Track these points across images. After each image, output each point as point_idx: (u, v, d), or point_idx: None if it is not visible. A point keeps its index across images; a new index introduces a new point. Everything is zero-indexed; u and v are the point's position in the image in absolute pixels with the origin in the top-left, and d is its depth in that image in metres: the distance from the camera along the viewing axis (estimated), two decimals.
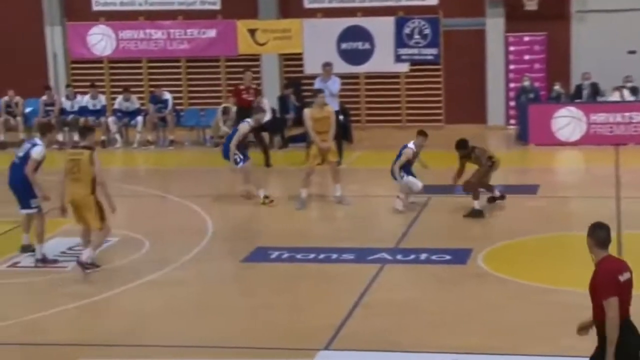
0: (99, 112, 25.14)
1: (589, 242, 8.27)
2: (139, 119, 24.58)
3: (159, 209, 18.41)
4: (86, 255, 13.82)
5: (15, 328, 11.81)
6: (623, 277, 8.16)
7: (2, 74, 25.92)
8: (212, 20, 26.32)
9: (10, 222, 15.83)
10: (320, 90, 18.71)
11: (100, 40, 26.72)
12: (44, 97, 25.17)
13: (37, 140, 14.70)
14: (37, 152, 14.37)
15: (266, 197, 17.80)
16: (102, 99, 25.50)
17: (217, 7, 26.46)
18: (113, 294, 13.15)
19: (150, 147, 24.72)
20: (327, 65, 22.29)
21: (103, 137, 24.70)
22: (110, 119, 24.76)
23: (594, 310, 8.26)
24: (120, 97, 25.21)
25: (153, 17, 26.52)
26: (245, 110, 21.92)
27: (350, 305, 12.18)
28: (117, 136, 24.75)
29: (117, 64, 26.87)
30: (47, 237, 14.91)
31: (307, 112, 17.88)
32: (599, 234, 8.23)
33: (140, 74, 26.85)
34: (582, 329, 8.58)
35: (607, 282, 8.08)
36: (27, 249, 14.96)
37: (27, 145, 14.69)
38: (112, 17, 26.69)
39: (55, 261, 14.68)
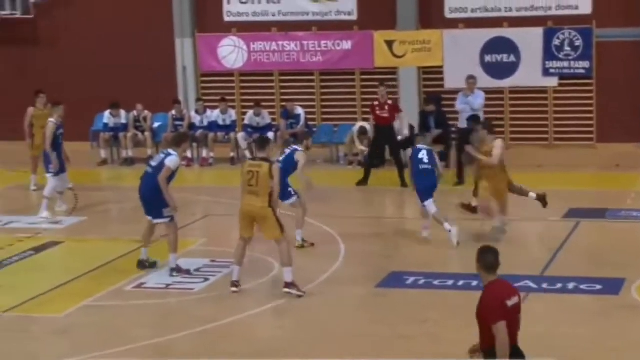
0: (229, 128, 25.52)
1: (477, 266, 8.57)
2: (270, 134, 24.89)
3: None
4: (288, 275, 14.13)
5: (146, 350, 12.08)
6: (511, 302, 8.39)
7: (131, 87, 26.52)
8: (348, 32, 26.48)
9: (135, 241, 16.19)
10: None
11: (231, 53, 27.13)
12: (173, 112, 25.69)
13: (172, 151, 15.14)
14: (171, 161, 14.89)
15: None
16: (233, 114, 25.88)
17: (354, 17, 26.59)
18: (240, 318, 13.33)
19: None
20: (471, 79, 22.19)
21: (232, 154, 25.08)
22: (240, 135, 25.12)
23: (481, 337, 8.43)
24: (250, 112, 25.55)
25: (286, 28, 26.82)
26: (382, 128, 21.99)
27: None
28: (247, 153, 25.10)
29: (248, 77, 27.22)
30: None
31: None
32: (486, 258, 8.50)
33: (271, 87, 27.18)
34: (473, 352, 8.72)
35: (494, 306, 8.33)
36: (142, 264, 15.35)
37: (161, 155, 15.22)
38: (244, 29, 27.06)
39: (188, 271, 15.17)
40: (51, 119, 19.42)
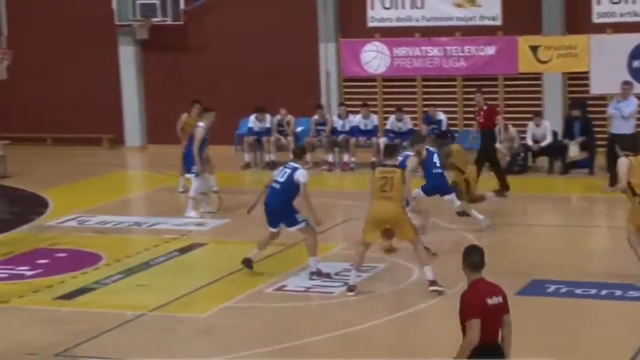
0: (370, 133, 25.60)
1: (462, 265, 8.79)
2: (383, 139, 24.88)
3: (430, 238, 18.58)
4: (429, 273, 14.40)
5: (286, 352, 12.20)
6: (492, 301, 8.65)
7: (275, 92, 26.85)
8: (492, 37, 26.28)
9: (277, 244, 16.39)
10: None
11: (374, 58, 27.19)
12: (315, 117, 25.91)
13: (296, 164, 15.40)
14: (302, 175, 15.24)
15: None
16: (374, 119, 25.95)
17: (498, 22, 26.37)
18: (379, 323, 13.39)
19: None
20: (625, 84, 21.80)
21: (373, 159, 25.14)
22: (382, 140, 25.16)
23: (463, 336, 8.56)
24: (392, 117, 25.60)
25: (429, 33, 26.77)
26: (484, 133, 21.80)
27: (633, 350, 11.84)
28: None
29: (390, 82, 27.25)
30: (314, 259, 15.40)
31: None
32: (471, 257, 8.76)
33: (414, 93, 27.14)
34: None
35: (472, 304, 8.58)
36: (248, 262, 15.59)
37: (286, 170, 15.35)
38: (387, 34, 27.10)
39: (328, 275, 15.34)
40: (200, 124, 19.83)
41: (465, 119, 26.57)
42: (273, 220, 15.49)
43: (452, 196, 17.46)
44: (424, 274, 14.42)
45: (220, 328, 13.51)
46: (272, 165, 25.23)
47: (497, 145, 22.64)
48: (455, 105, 26.70)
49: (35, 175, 20.12)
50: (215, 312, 14.06)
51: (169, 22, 28.03)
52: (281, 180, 15.38)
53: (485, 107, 22.31)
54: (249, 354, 12.18)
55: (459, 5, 26.59)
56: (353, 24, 27.42)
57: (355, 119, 25.79)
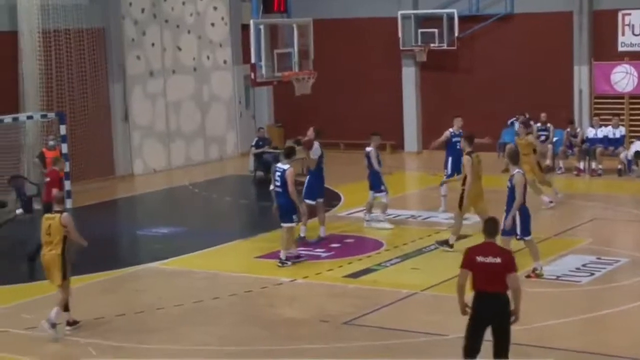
0: (617, 142, 24.94)
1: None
2: None
3: None
4: None
5: (530, 333, 12.17)
6: (482, 259, 9.80)
7: (533, 106, 26.52)
8: None
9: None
10: None
11: (623, 78, 26.47)
12: (568, 129, 25.50)
13: (284, 165, 16.17)
14: (289, 174, 15.96)
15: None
16: (622, 130, 25.28)
17: None
18: (618, 311, 13.13)
19: None
20: None
21: (619, 166, 24.41)
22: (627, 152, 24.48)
23: None
24: None
25: None
26: None
27: None
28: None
29: (637, 99, 26.45)
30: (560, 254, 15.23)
31: None
32: (486, 224, 10.13)
33: None
34: None
35: (464, 258, 9.96)
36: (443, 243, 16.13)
37: (277, 173, 16.16)
38: (636, 57, 26.33)
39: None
40: (451, 129, 20.38)
41: None
42: (287, 216, 16.13)
43: None
44: None
45: None
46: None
47: None
48: None
49: (331, 174, 20.80)
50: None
51: (444, 47, 28.30)
52: (278, 184, 16.04)
53: None
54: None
55: None
56: (605, 48, 26.77)
57: (606, 129, 25.18)
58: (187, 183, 25.79)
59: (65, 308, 13.14)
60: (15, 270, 17.01)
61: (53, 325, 12.82)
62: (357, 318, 13.21)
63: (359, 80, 29.80)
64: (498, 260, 9.75)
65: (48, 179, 17.63)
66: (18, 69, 24.39)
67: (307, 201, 17.84)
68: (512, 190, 14.45)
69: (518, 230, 14.41)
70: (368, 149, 18.95)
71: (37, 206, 22.18)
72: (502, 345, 9.88)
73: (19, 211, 20.22)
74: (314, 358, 11.79)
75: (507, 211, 14.41)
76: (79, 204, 22.30)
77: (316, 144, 18.32)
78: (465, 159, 16.58)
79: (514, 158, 14.91)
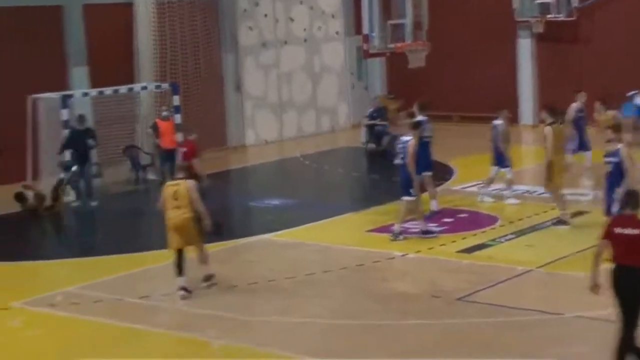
0: None
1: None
2: None
3: None
4: None
5: None
6: (622, 231, 9.66)
7: None
8: None
9: None
10: None
11: None
12: None
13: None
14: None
15: None
16: None
17: None
18: None
19: None
20: None
21: None
22: None
23: None
24: None
25: None
26: None
27: None
28: None
29: None
30: None
31: None
32: (628, 196, 9.96)
33: None
34: None
35: (603, 230, 9.87)
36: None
37: None
38: None
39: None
40: (574, 104, 20.18)
41: None
42: (407, 190, 15.96)
43: None
44: None
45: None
46: None
47: None
48: None
49: (444, 147, 20.63)
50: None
51: (562, 18, 27.65)
52: (402, 156, 15.91)
53: None
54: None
55: None
56: None
57: None
58: (298, 155, 25.90)
59: (181, 273, 13.44)
60: (130, 241, 17.40)
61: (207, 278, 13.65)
62: (471, 294, 13.06)
63: (473, 52, 29.35)
64: (637, 231, 9.62)
65: (184, 149, 18.00)
66: (133, 40, 24.84)
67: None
68: (617, 165, 13.93)
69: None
70: (496, 122, 18.63)
71: (150, 176, 22.67)
72: (629, 320, 9.68)
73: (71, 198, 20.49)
74: (426, 333, 11.70)
75: (613, 187, 13.91)
76: None
77: (422, 120, 17.86)
78: (546, 129, 16.34)
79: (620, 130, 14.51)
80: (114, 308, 13.29)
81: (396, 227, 16.12)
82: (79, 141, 20.41)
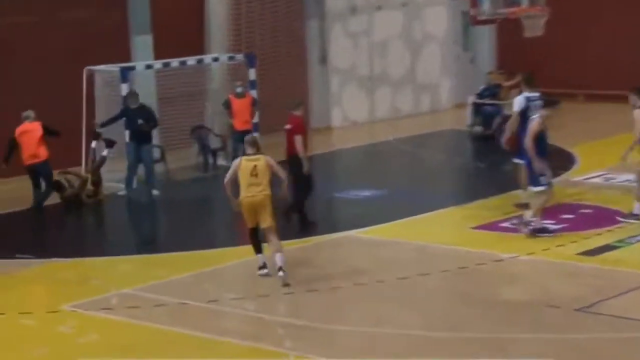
0: None
1: None
2: None
3: None
4: None
5: None
6: None
7: None
8: None
9: None
10: None
11: None
12: None
13: None
14: None
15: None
16: None
17: None
18: None
19: None
20: None
21: None
22: None
23: None
24: None
25: None
26: None
27: None
28: None
29: None
30: None
31: None
32: None
33: None
34: None
35: None
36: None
37: None
38: None
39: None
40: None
41: None
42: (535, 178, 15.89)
43: None
44: None
45: None
46: None
47: None
48: None
49: (565, 132, 20.39)
50: None
51: None
52: None
53: None
54: None
55: None
56: None
57: None
58: (391, 138, 25.88)
59: (259, 250, 14.33)
60: (196, 236, 17.60)
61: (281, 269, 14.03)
62: (594, 304, 12.92)
63: (600, 22, 28.91)
64: None
65: (289, 126, 17.42)
66: (204, 7, 25.05)
67: (516, 160, 17.48)
68: None
69: None
70: None
71: (221, 162, 22.85)
72: None
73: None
74: (539, 349, 11.61)
75: None
76: None
77: (520, 96, 17.63)
78: (636, 113, 16.46)
79: None
80: (177, 313, 13.46)
81: (534, 220, 16.03)
82: (131, 121, 20.62)
